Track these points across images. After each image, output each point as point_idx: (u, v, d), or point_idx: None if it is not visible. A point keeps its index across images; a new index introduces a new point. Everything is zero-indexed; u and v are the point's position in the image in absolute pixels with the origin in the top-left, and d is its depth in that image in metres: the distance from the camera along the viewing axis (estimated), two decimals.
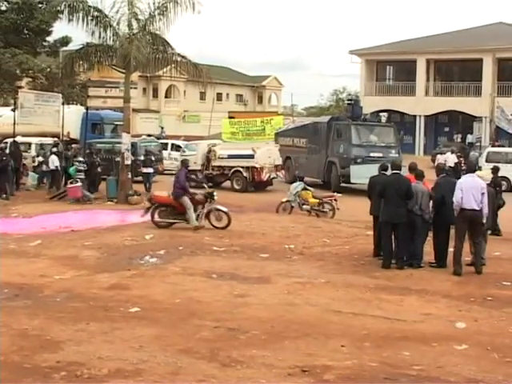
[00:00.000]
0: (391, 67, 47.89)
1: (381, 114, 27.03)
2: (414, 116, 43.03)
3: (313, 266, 11.30)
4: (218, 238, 13.65)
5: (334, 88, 64.96)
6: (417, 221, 11.21)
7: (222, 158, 25.27)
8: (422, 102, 42.34)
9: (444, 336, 7.54)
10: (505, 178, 23.96)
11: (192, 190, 15.07)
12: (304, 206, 17.82)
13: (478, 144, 36.43)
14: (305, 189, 18.10)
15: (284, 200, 18.12)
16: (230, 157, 25.10)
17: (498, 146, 33.18)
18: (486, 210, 10.87)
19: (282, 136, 29.21)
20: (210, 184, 20.50)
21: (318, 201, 17.88)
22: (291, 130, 29.61)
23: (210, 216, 14.83)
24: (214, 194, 15.01)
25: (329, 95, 65.29)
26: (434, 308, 8.84)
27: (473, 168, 12.17)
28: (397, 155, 23.63)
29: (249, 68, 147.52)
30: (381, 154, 23.70)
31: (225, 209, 15.03)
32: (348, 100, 27.34)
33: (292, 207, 17.91)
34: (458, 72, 44.71)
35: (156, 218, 14.74)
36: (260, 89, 70.67)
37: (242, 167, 24.62)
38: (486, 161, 29.03)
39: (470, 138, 39.57)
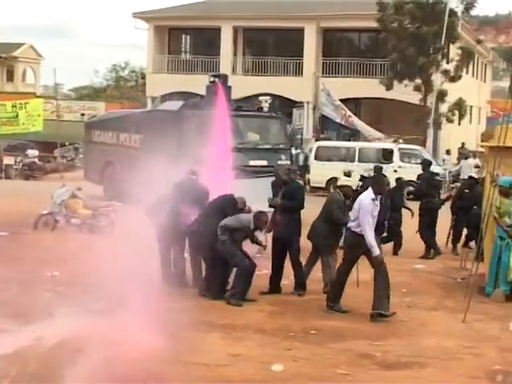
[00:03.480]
0: (188, 36, 48.72)
1: (261, 97, 24.08)
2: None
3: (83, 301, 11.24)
4: None
5: (113, 63, 64.91)
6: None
7: None
8: (229, 82, 43.43)
9: (256, 383, 7.82)
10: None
11: None
12: (73, 220, 17.66)
13: (299, 137, 37.88)
14: (73, 196, 17.92)
15: (45, 212, 17.82)
16: None
17: (323, 138, 35.08)
18: None
19: (98, 128, 26.27)
20: None
21: (91, 212, 17.84)
22: (113, 119, 26.34)
23: None
24: None
25: (106, 72, 65.07)
26: (244, 347, 9.16)
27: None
28: (288, 162, 21.59)
29: None
30: (265, 162, 20.96)
31: None
32: (212, 77, 23.83)
33: (56, 221, 17.66)
34: (273, 45, 46.40)
35: None
36: (10, 61, 68.69)
37: None
38: (316, 158, 30.63)
39: (288, 129, 41.33)
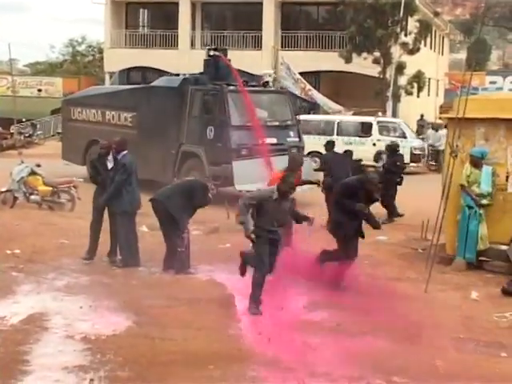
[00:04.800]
0: (146, 11, 48.35)
1: (264, 71, 22.77)
2: (177, 75, 43.74)
3: (46, 278, 11.22)
4: None
5: (70, 37, 64.16)
6: None
7: None
8: (187, 57, 43.21)
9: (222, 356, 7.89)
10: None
11: None
12: (32, 197, 17.56)
13: None
14: (33, 173, 17.77)
15: (3, 189, 17.69)
16: None
17: None
18: None
19: (79, 105, 24.55)
20: None
21: (51, 189, 17.74)
22: (97, 96, 24.44)
23: None
24: None
25: (62, 47, 64.28)
26: (209, 321, 9.24)
27: None
28: (297, 139, 21.13)
29: None
30: (275, 140, 19.94)
31: None
32: (211, 50, 22.09)
33: (15, 198, 17.53)
34: (232, 18, 46.34)
35: None
36: None
37: None
38: None
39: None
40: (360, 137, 29.84)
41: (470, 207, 12.45)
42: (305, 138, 28.21)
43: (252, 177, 17.25)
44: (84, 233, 12.91)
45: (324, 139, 27.82)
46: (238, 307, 9.84)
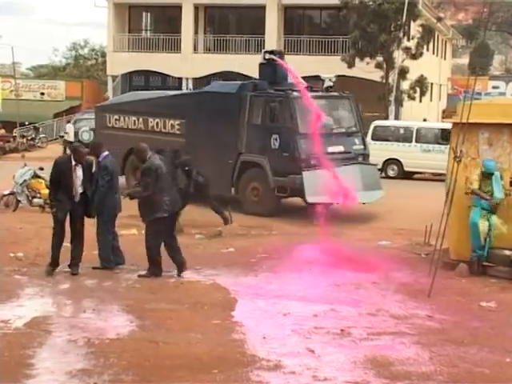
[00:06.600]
0: (149, 14, 48.48)
1: (325, 75, 21.11)
2: (180, 79, 43.97)
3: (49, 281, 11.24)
4: None
5: (73, 41, 64.19)
6: None
7: None
8: (190, 61, 43.36)
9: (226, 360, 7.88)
10: None
11: None
12: (35, 200, 17.60)
13: None
14: (36, 176, 17.80)
15: (6, 192, 17.70)
16: None
17: None
18: None
19: (116, 112, 23.27)
20: None
21: None
22: (137, 102, 23.13)
23: None
24: None
25: (65, 50, 64.34)
26: (213, 325, 9.21)
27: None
28: (362, 147, 20.05)
29: None
30: (342, 148, 19.21)
31: None
32: (267, 53, 20.65)
33: (18, 202, 17.54)
34: (235, 23, 46.46)
35: None
36: None
37: None
38: (373, 138, 29.55)
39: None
40: (439, 144, 27.37)
41: (484, 209, 12.44)
42: (382, 144, 27.95)
43: (323, 188, 17.06)
44: (86, 236, 12.88)
45: (403, 146, 27.95)
46: (242, 311, 9.84)
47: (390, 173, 27.97)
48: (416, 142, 28.18)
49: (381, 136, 28.52)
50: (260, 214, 18.55)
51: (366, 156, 19.94)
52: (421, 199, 20.43)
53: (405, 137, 28.69)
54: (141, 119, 22.09)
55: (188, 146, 19.44)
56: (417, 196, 21.51)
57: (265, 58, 20.40)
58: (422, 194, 21.40)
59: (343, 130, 19.88)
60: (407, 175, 27.90)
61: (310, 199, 17.84)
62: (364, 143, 20.30)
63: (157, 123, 21.60)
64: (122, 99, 25.84)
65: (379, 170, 24.23)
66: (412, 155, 27.39)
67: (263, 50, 21.63)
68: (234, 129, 19.46)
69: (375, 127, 29.15)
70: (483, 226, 12.37)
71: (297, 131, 18.53)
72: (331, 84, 20.47)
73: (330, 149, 18.38)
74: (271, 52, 20.85)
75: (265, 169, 18.89)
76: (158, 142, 19.67)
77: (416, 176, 28.34)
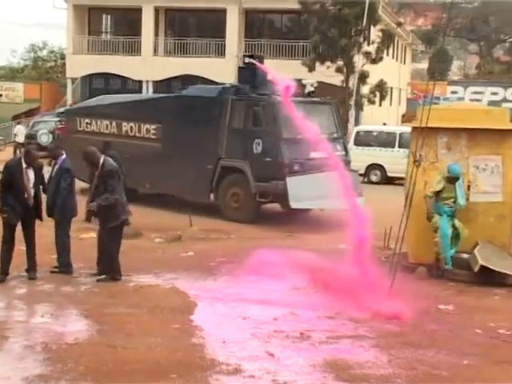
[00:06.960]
0: (109, 16, 48.22)
1: (305, 80, 20.80)
2: (140, 82, 43.77)
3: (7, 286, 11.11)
4: None
5: (31, 42, 63.65)
6: None
7: None
8: (150, 64, 43.20)
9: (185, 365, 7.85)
10: None
11: None
12: None
13: None
14: None
15: None
16: None
17: None
18: None
19: (88, 116, 22.46)
20: None
21: None
22: (110, 106, 22.40)
23: None
24: None
25: (24, 52, 63.76)
26: (172, 329, 9.19)
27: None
28: (343, 153, 19.65)
29: None
30: (324, 154, 19.19)
31: None
32: (246, 57, 20.36)
33: None
34: (195, 26, 46.35)
35: None
36: None
37: None
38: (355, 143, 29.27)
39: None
40: None
41: (447, 215, 12.54)
42: (365, 150, 27.78)
43: (308, 194, 17.02)
44: (43, 240, 12.71)
45: (385, 151, 27.88)
46: (201, 315, 9.82)
47: (373, 178, 27.88)
48: (399, 147, 27.70)
49: (364, 141, 28.38)
50: (240, 220, 18.28)
51: (347, 162, 19.39)
52: (389, 204, 20.45)
53: (388, 142, 28.49)
54: (114, 123, 21.42)
55: (163, 151, 19.47)
56: (386, 201, 21.49)
57: (244, 62, 20.08)
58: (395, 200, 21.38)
59: (324, 136, 18.73)
60: (390, 180, 27.62)
61: (294, 205, 17.69)
62: (346, 149, 20.19)
63: (131, 127, 21.04)
64: (93, 102, 24.81)
65: (361, 175, 24.38)
66: (395, 160, 27.18)
67: (242, 54, 21.38)
68: (213, 133, 19.10)
69: (358, 132, 29.10)
70: (449, 231, 12.50)
71: (280, 136, 18.21)
72: (313, 89, 20.18)
73: (313, 154, 17.77)
74: (251, 56, 20.44)
75: (246, 174, 18.54)
76: (132, 146, 20.08)
77: (397, 182, 28.23)
